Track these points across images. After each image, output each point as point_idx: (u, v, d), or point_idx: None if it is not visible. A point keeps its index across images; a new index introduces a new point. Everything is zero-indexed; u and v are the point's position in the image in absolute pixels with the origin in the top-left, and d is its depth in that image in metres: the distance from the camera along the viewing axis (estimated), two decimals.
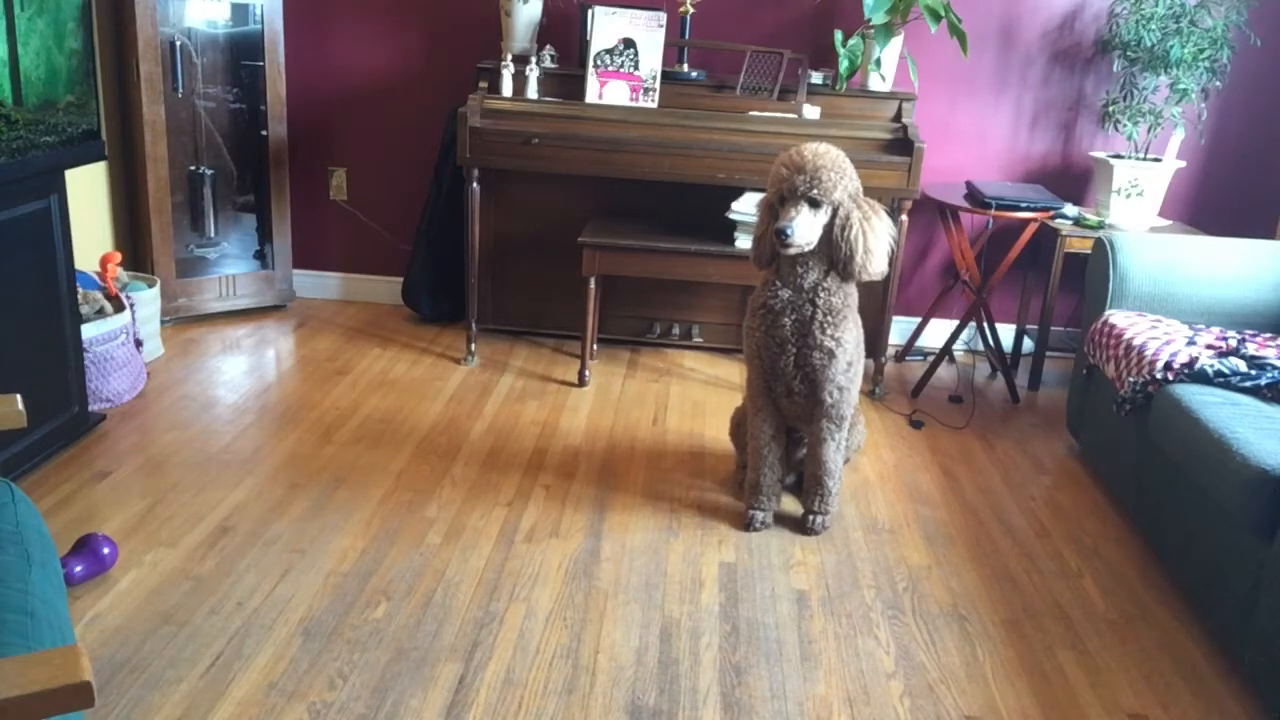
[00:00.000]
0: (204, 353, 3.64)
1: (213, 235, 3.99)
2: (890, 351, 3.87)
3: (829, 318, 2.49)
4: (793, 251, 2.42)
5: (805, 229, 2.39)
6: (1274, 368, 2.48)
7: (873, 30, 3.52)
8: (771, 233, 2.42)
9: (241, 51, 3.88)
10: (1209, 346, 2.66)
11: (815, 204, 2.40)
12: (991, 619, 2.32)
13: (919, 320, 4.01)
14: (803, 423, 2.68)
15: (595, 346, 3.71)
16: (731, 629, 2.22)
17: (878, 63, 3.57)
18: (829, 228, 2.43)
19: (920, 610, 2.34)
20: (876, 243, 2.44)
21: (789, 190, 2.39)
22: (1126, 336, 2.77)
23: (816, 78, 3.63)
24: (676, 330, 3.88)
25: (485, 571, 2.38)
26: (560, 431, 3.16)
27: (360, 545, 2.45)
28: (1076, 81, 3.85)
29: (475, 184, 3.50)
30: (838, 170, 2.41)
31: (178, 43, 3.69)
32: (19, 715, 1.03)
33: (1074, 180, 3.95)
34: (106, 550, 2.26)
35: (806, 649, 2.17)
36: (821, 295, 2.49)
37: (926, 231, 4.02)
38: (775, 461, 2.65)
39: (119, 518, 2.51)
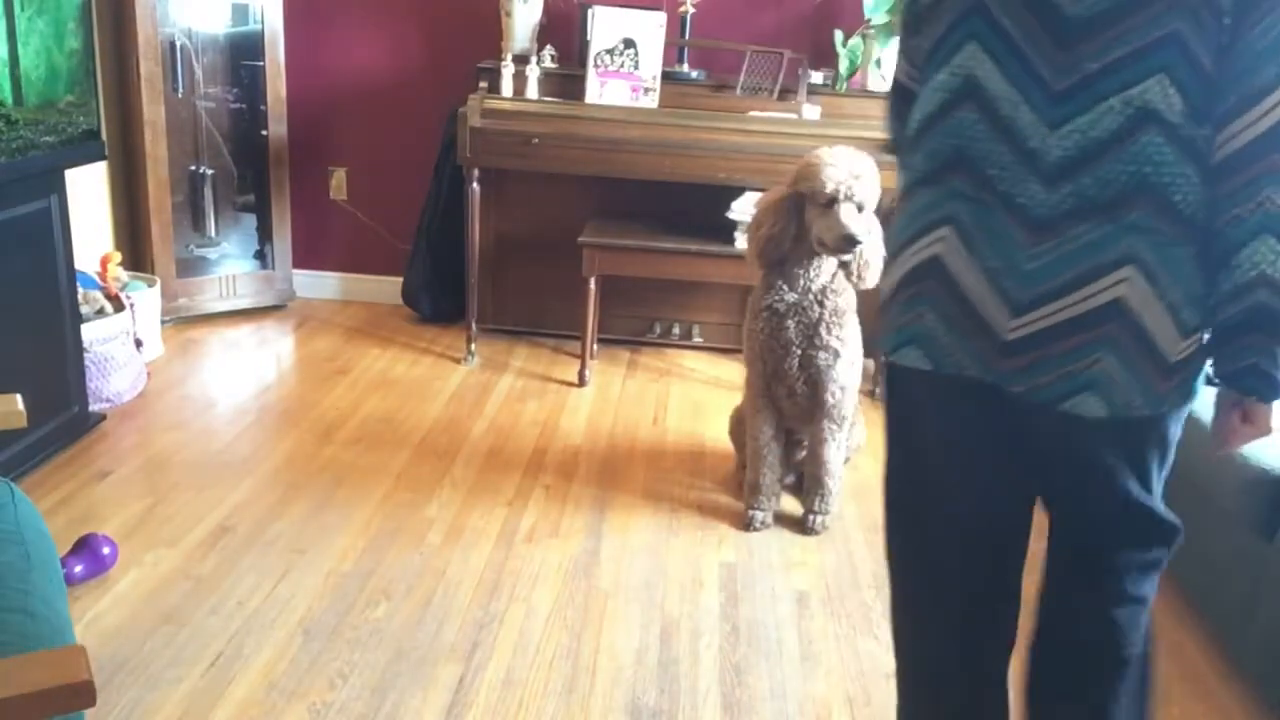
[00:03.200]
0: (204, 353, 3.64)
1: (213, 235, 3.99)
2: None
3: (835, 318, 2.52)
4: (848, 257, 2.49)
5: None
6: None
7: (873, 30, 3.52)
8: (836, 236, 2.41)
9: (241, 51, 3.88)
10: None
11: (861, 209, 2.44)
12: None
13: None
14: (802, 423, 2.68)
15: (595, 346, 3.71)
16: (731, 629, 2.22)
17: (878, 63, 3.57)
18: None
19: None
20: (881, 253, 2.52)
21: (847, 193, 2.41)
22: None
23: (816, 78, 3.63)
24: (676, 330, 3.88)
25: (485, 571, 2.38)
26: (560, 431, 3.16)
27: (360, 545, 2.45)
28: None
29: (475, 184, 3.50)
30: (878, 179, 2.48)
31: (178, 43, 3.69)
32: (19, 715, 1.03)
33: None
34: (106, 550, 2.26)
35: (806, 649, 2.17)
36: (829, 297, 2.52)
37: None
38: (775, 461, 2.65)
39: (119, 518, 2.51)
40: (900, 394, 1.44)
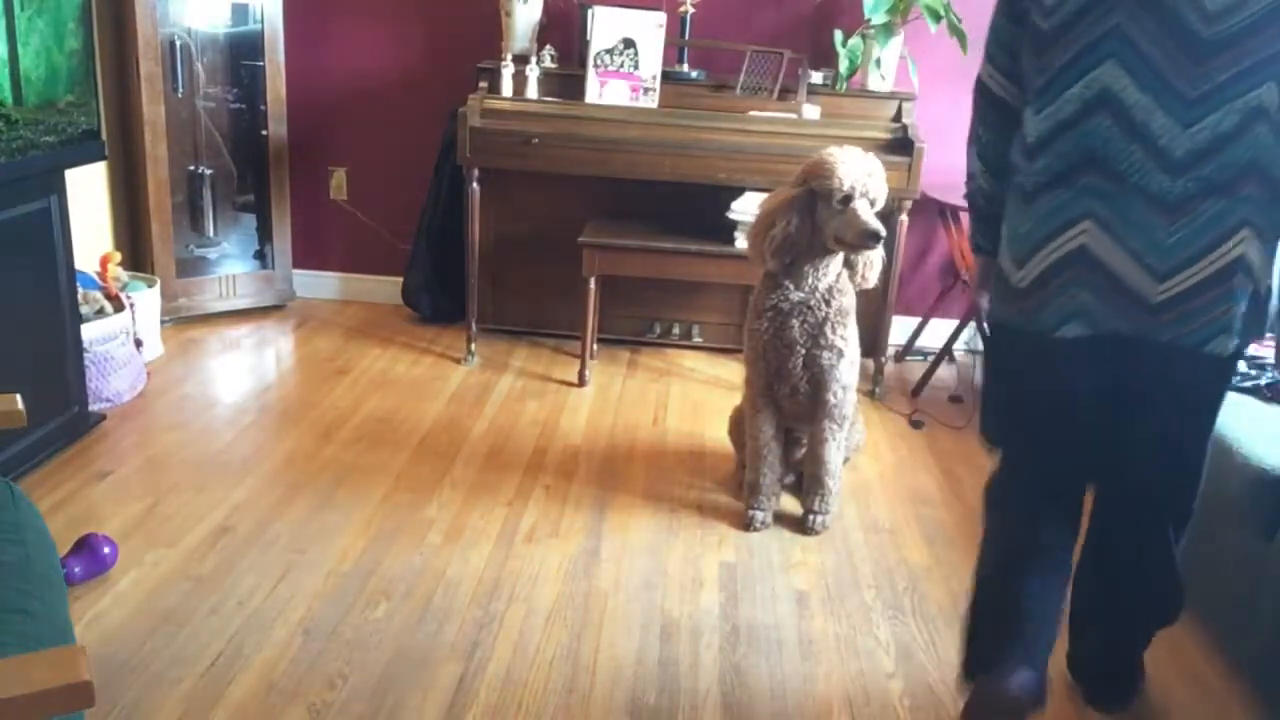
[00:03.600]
0: (204, 353, 3.64)
1: (213, 235, 3.99)
2: (890, 351, 3.87)
3: (840, 318, 2.53)
4: (868, 254, 2.53)
5: None
6: (1273, 367, 2.48)
7: (873, 30, 3.52)
8: (858, 232, 2.42)
9: (241, 51, 3.88)
10: None
11: (873, 205, 2.47)
12: None
13: (919, 320, 4.01)
14: (803, 422, 2.68)
15: (595, 346, 3.71)
16: (731, 629, 2.22)
17: (878, 62, 3.57)
18: None
19: (920, 610, 2.34)
20: (882, 254, 2.58)
21: (863, 190, 2.42)
22: None
23: (816, 78, 3.63)
24: (676, 330, 3.88)
25: (485, 571, 2.38)
26: (560, 431, 3.16)
27: (360, 545, 2.45)
28: None
29: (475, 184, 3.50)
30: (885, 178, 2.51)
31: (178, 42, 3.69)
32: (19, 715, 1.03)
33: None
34: (106, 550, 2.26)
35: (806, 649, 2.17)
36: (835, 296, 2.53)
37: (926, 231, 4.02)
38: (775, 461, 2.65)
39: (119, 518, 2.51)
40: (1039, 356, 1.71)
